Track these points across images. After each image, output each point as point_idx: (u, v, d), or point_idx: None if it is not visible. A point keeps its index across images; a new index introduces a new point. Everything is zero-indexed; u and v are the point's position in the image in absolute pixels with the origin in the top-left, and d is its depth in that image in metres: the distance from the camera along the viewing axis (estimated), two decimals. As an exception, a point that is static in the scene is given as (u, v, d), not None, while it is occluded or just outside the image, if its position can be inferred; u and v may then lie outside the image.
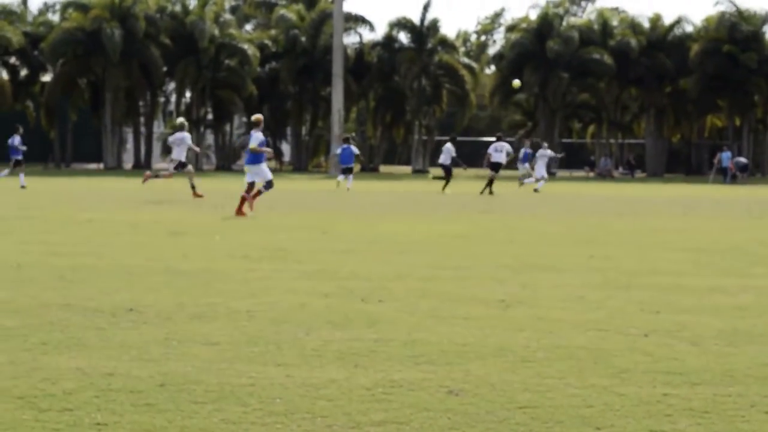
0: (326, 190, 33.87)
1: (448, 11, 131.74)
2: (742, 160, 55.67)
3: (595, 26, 69.00)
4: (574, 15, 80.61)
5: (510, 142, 36.75)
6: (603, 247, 13.78)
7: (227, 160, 67.82)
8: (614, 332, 7.18)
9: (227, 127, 70.25)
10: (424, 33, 66.82)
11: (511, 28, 71.58)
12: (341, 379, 5.63)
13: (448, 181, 33.55)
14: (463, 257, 12.25)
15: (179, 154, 25.11)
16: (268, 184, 19.92)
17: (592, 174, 67.49)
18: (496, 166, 32.82)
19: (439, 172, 34.96)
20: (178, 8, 65.93)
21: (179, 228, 16.05)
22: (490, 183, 32.26)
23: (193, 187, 24.35)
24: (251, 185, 19.93)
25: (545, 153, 36.75)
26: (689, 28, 68.98)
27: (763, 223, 20.85)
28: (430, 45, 67.09)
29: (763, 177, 64.45)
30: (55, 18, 66.53)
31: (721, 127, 74.01)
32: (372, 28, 76.48)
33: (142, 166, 64.45)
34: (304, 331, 7.04)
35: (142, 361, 6.04)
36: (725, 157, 54.14)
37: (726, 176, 53.08)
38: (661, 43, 67.90)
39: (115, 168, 61.98)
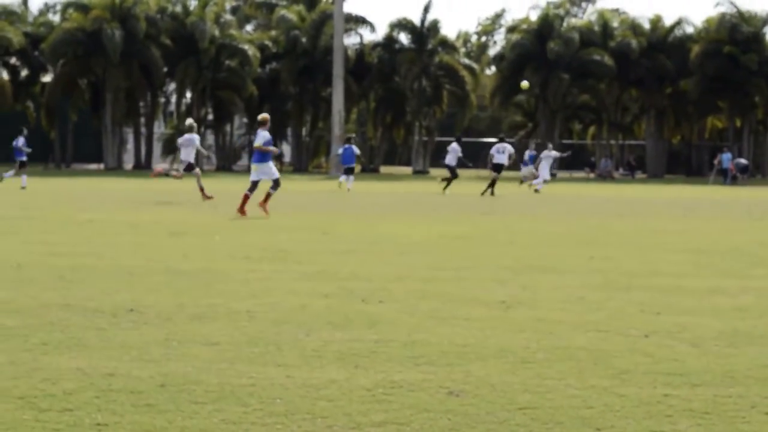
0: (327, 191, 33.87)
1: (448, 12, 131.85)
2: (743, 161, 55.66)
3: (596, 27, 69.02)
4: (575, 16, 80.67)
5: (510, 143, 36.73)
6: (603, 249, 13.78)
7: (228, 161, 67.84)
8: (614, 333, 7.18)
9: (227, 128, 70.27)
10: (424, 34, 66.84)
11: (511, 29, 71.60)
12: (341, 380, 5.63)
13: (449, 181, 33.58)
14: (464, 258, 12.25)
15: (187, 155, 25.16)
16: (275, 184, 19.93)
17: (592, 175, 67.50)
18: (498, 168, 32.84)
19: (444, 173, 34.95)
20: (178, 9, 65.96)
21: (179, 228, 16.05)
22: (492, 184, 32.27)
23: (201, 189, 24.42)
24: (255, 184, 19.97)
25: (550, 154, 36.76)
26: (690, 30, 69.03)
27: (764, 224, 20.84)
28: (430, 46, 67.11)
29: (763, 178, 64.45)
30: (55, 18, 66.57)
31: (722, 128, 74.01)
32: (372, 28, 76.71)
33: (142, 166, 64.48)
34: (305, 332, 7.04)
35: (143, 361, 6.04)
36: (726, 158, 54.14)
37: (726, 177, 53.07)
38: (661, 44, 67.91)
39: (115, 168, 61.99)
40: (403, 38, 67.89)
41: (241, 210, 19.36)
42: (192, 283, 9.45)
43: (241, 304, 8.19)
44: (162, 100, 70.04)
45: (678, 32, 68.87)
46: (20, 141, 33.14)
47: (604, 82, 68.65)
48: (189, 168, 25.17)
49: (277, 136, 69.88)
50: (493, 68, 75.13)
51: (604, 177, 64.64)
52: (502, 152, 33.11)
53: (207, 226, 16.83)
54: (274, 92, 66.83)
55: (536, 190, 35.30)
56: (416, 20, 67.22)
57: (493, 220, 20.10)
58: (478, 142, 66.57)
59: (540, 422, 4.86)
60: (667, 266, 11.68)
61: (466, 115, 69.03)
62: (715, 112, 71.86)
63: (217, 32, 63.86)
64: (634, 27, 69.25)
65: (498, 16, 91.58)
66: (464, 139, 38.72)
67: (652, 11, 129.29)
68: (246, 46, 63.97)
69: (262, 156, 20.09)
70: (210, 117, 68.24)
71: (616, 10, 75.09)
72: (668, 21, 70.20)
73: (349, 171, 35.47)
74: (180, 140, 26.21)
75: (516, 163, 40.16)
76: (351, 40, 67.06)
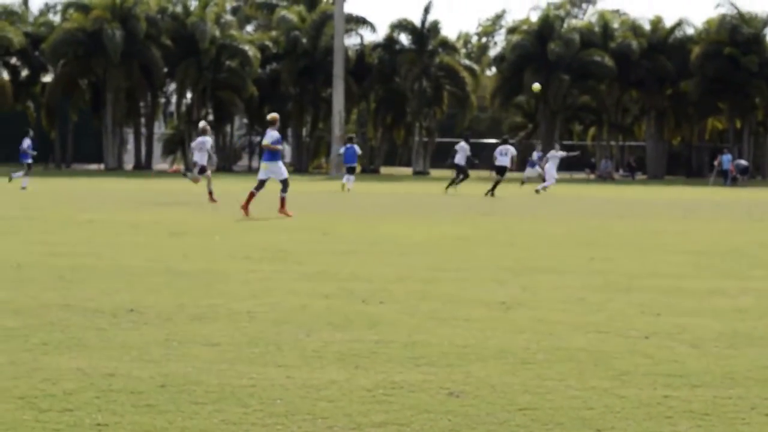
0: (327, 192, 33.86)
1: (449, 13, 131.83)
2: (743, 162, 55.64)
3: (596, 28, 69.01)
4: (575, 17, 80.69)
5: (512, 145, 36.76)
6: (603, 250, 13.78)
7: (228, 161, 67.84)
8: (614, 334, 7.19)
9: (228, 128, 70.26)
10: (424, 34, 66.85)
11: (512, 30, 71.60)
12: (342, 381, 5.63)
13: (454, 180, 33.68)
14: (464, 259, 12.25)
15: (201, 158, 25.25)
16: (284, 185, 19.88)
17: (592, 176, 67.48)
18: (501, 170, 32.87)
19: (449, 173, 35.00)
20: (179, 9, 65.95)
21: (180, 229, 16.06)
22: (496, 184, 32.33)
23: (210, 193, 24.53)
24: (262, 183, 20.03)
25: (556, 154, 36.76)
26: (690, 31, 69.02)
27: (764, 225, 20.84)
28: (430, 46, 67.11)
29: (763, 179, 64.45)
30: (56, 18, 66.56)
31: (722, 129, 74.00)
32: (373, 29, 76.68)
33: (142, 166, 64.50)
34: (305, 333, 7.04)
35: (143, 361, 6.04)
36: (726, 159, 54.14)
37: (726, 179, 53.07)
38: (662, 45, 67.91)
39: (115, 169, 61.99)
40: (404, 39, 67.92)
41: (245, 208, 19.42)
42: (192, 284, 9.45)
43: (241, 305, 8.20)
44: (162, 100, 70.05)
45: (678, 33, 68.86)
46: (26, 143, 33.13)
47: (605, 83, 68.65)
48: (201, 171, 25.29)
49: (277, 137, 69.88)
50: (494, 69, 75.14)
51: (605, 178, 64.64)
52: (504, 154, 33.12)
53: (207, 227, 16.83)
54: (274, 93, 66.83)
55: (537, 191, 35.33)
56: (417, 21, 67.27)
57: (493, 221, 20.10)
58: (478, 143, 66.56)
59: (540, 423, 4.86)
60: (667, 267, 11.68)
61: (466, 116, 69.02)
62: (715, 114, 71.85)
63: (217, 33, 63.86)
64: (634, 28, 69.24)
65: (498, 17, 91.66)
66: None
67: (652, 12, 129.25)
68: (246, 47, 63.98)
69: (272, 155, 20.13)
70: (210, 117, 68.24)
71: (617, 11, 75.08)
72: (669, 22, 70.22)
73: (350, 170, 35.64)
74: (193, 144, 26.34)
75: (522, 164, 40.18)
76: (351, 41, 67.14)
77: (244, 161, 75.09)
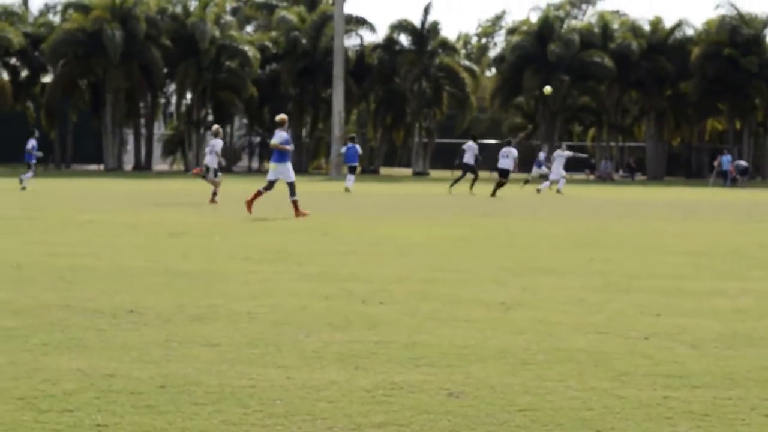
0: (327, 192, 33.86)
1: (448, 14, 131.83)
2: (743, 163, 55.64)
3: (596, 29, 69.00)
4: (575, 18, 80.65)
5: (503, 144, 36.81)
6: (603, 250, 13.78)
7: (227, 162, 67.74)
8: (614, 335, 7.19)
9: (228, 129, 70.23)
10: (424, 35, 66.84)
11: (511, 31, 71.59)
12: (341, 381, 5.63)
13: (458, 180, 33.90)
14: (464, 260, 12.25)
15: (211, 161, 25.32)
16: (292, 189, 19.81)
17: (592, 177, 67.49)
18: (503, 173, 32.94)
19: (453, 174, 35.08)
20: (179, 10, 65.93)
21: (179, 229, 16.06)
22: (498, 186, 32.38)
23: (214, 194, 24.58)
24: (271, 183, 20.06)
25: (563, 154, 36.85)
26: (690, 32, 69.01)
27: (763, 226, 20.85)
28: (430, 47, 67.10)
29: (763, 180, 64.46)
30: (55, 19, 66.53)
31: (722, 130, 74.00)
32: (373, 30, 76.62)
33: (142, 167, 64.49)
34: (305, 333, 7.04)
35: (143, 362, 6.04)
36: (725, 160, 54.14)
37: (726, 179, 53.07)
38: (661, 46, 67.90)
39: (115, 169, 61.97)
40: (404, 40, 67.91)
41: (250, 204, 19.53)
42: (192, 284, 9.45)
43: (241, 305, 8.20)
44: (162, 100, 70.03)
45: (678, 34, 68.85)
46: (30, 143, 33.11)
47: (604, 84, 68.63)
48: (214, 173, 25.38)
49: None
50: (494, 70, 75.13)
51: (604, 179, 64.64)
52: (506, 156, 33.22)
53: (207, 227, 16.83)
54: (274, 93, 66.83)
55: (538, 190, 35.46)
56: (416, 22, 67.26)
57: (493, 222, 20.10)
58: (478, 144, 66.50)
59: (540, 424, 4.86)
60: (666, 268, 11.68)
61: (466, 117, 69.01)
62: (715, 115, 71.85)
63: (217, 33, 63.84)
64: (634, 29, 69.23)
65: (498, 18, 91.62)
66: (464, 140, 38.79)
67: (652, 13, 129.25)
68: (246, 47, 63.96)
69: (281, 156, 20.12)
70: (210, 118, 68.23)
71: (617, 12, 75.05)
72: (668, 23, 70.19)
73: (351, 170, 35.77)
74: (207, 147, 26.45)
75: (523, 165, 40.23)
76: (351, 42, 67.13)
77: (243, 162, 75.06)
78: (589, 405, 5.21)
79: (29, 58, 65.76)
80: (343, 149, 37.79)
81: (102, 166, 63.71)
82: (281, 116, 20.43)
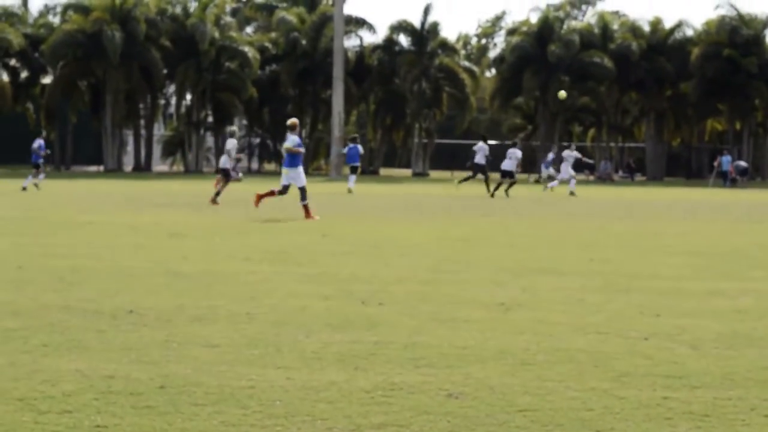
0: (327, 193, 33.85)
1: (448, 14, 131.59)
2: (742, 164, 55.64)
3: (596, 30, 68.98)
4: (575, 18, 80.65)
5: (510, 145, 36.89)
6: (603, 251, 13.78)
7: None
8: (614, 335, 7.19)
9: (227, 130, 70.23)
10: (424, 36, 66.83)
11: (511, 32, 71.57)
12: (341, 382, 5.63)
13: (468, 179, 33.97)
14: (464, 260, 12.25)
15: (225, 161, 25.50)
16: (302, 192, 19.77)
17: (592, 177, 67.47)
18: (504, 174, 33.01)
19: (460, 174, 35.12)
20: (178, 11, 65.92)
21: (179, 230, 16.05)
22: (498, 186, 32.45)
23: (217, 193, 24.63)
24: (285, 188, 20.05)
25: (571, 154, 36.99)
26: (690, 32, 68.98)
27: (763, 226, 20.85)
28: (430, 48, 67.10)
29: (763, 181, 64.45)
30: (55, 20, 66.51)
31: (722, 131, 73.97)
32: (372, 31, 76.55)
33: (142, 168, 64.49)
34: (305, 334, 7.04)
35: (142, 363, 6.04)
36: (725, 160, 54.14)
37: (726, 180, 53.06)
38: (661, 46, 67.89)
39: (115, 170, 61.96)
40: (403, 40, 67.89)
41: (259, 199, 19.75)
42: (192, 285, 9.45)
43: (241, 306, 8.20)
44: (162, 102, 70.01)
45: (678, 35, 68.83)
46: (36, 143, 33.11)
47: (604, 85, 68.60)
48: (225, 174, 25.49)
49: (277, 138, 69.93)
50: (493, 70, 75.11)
51: (604, 179, 64.63)
52: (508, 158, 33.38)
53: (207, 228, 16.82)
54: (273, 94, 66.82)
55: (546, 188, 35.64)
56: (416, 22, 67.23)
57: (493, 222, 20.11)
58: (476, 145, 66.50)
59: (540, 424, 4.86)
60: (666, 268, 11.68)
61: (465, 118, 69.01)
62: (714, 115, 71.83)
63: (217, 34, 63.83)
64: (634, 29, 69.21)
65: (498, 19, 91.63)
66: (464, 141, 38.85)
67: (652, 14, 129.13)
68: (246, 48, 63.95)
69: (292, 159, 20.04)
70: (210, 119, 68.23)
71: (616, 13, 75.04)
72: (668, 23, 70.13)
73: (353, 170, 35.85)
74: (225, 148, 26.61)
75: (524, 166, 40.32)
76: (351, 42, 67.09)
77: (243, 162, 75.01)
78: (589, 405, 5.21)
79: (29, 59, 65.75)
80: (345, 149, 37.89)
81: (102, 167, 63.70)
82: (293, 120, 20.43)
